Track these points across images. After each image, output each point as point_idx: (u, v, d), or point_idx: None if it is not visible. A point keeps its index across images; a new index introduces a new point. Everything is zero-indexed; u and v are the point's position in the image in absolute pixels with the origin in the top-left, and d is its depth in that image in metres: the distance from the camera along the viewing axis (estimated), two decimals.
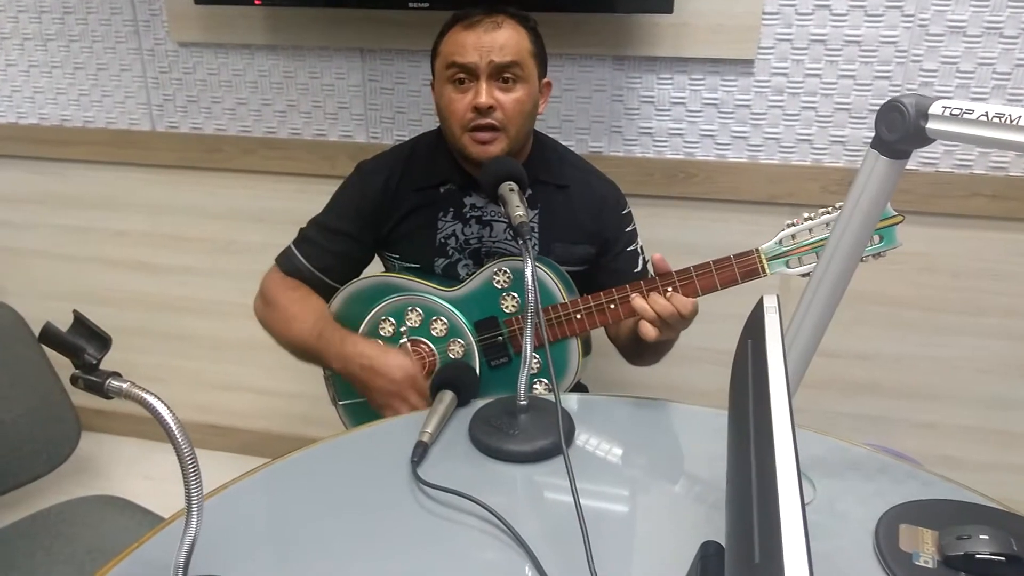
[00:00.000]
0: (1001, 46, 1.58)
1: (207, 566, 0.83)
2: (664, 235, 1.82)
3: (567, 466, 0.86)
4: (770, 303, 0.71)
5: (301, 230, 1.42)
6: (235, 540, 0.89)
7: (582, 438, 1.09)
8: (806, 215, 1.17)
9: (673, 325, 1.15)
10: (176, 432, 0.68)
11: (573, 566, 0.83)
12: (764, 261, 1.18)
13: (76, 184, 2.20)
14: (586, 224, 1.35)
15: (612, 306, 1.23)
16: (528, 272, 1.00)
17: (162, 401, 0.69)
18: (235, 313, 2.19)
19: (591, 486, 0.98)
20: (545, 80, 1.32)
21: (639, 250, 1.40)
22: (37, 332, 0.70)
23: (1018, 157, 1.66)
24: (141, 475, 2.26)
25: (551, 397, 1.19)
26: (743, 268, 1.19)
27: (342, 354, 1.25)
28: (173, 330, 2.29)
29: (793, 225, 1.17)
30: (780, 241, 1.18)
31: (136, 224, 2.21)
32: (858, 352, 1.86)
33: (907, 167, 1.66)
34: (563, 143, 1.81)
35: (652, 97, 1.77)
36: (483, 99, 1.20)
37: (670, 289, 1.19)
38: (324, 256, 1.36)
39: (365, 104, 1.93)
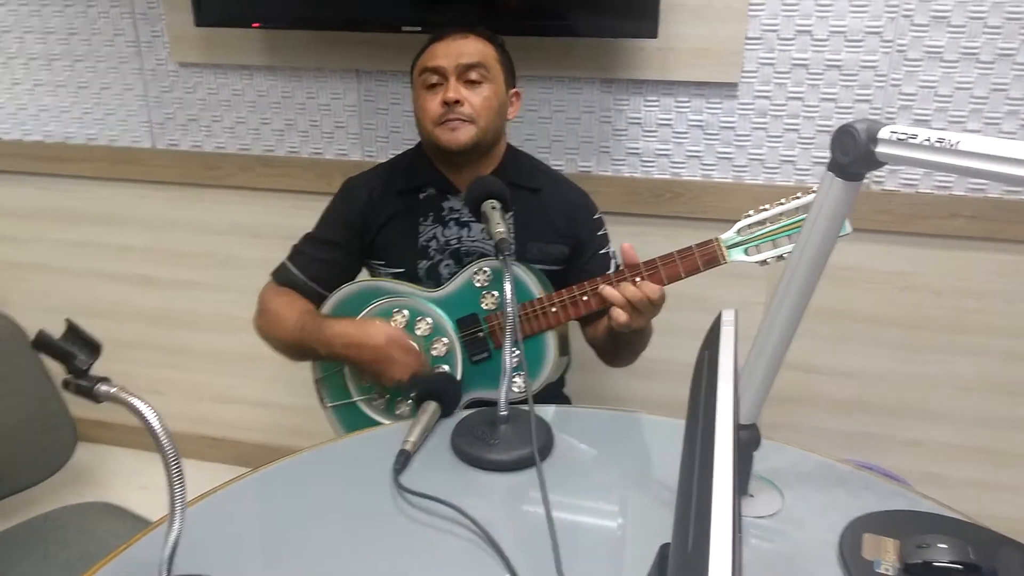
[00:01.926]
0: (977, 71, 1.62)
1: (193, 566, 0.86)
2: (651, 252, 1.83)
3: (539, 475, 0.89)
4: (727, 317, 0.75)
5: (294, 245, 1.48)
6: (221, 542, 0.92)
7: (560, 448, 1.12)
8: (763, 206, 1.23)
9: (643, 311, 1.24)
10: (160, 434, 0.71)
11: (545, 572, 0.86)
12: (723, 249, 1.25)
13: (79, 200, 2.25)
14: (559, 225, 1.42)
15: (584, 298, 1.30)
16: (507, 288, 1.04)
17: (148, 405, 0.72)
18: (233, 327, 2.23)
19: (566, 495, 1.01)
20: (514, 90, 1.42)
21: (611, 254, 1.47)
22: None
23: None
24: (137, 485, 2.29)
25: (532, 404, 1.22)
26: (704, 256, 1.26)
27: (324, 339, 1.31)
28: (172, 343, 2.33)
29: (750, 216, 1.23)
30: (738, 231, 1.24)
31: (137, 239, 2.25)
32: (842, 369, 1.90)
33: (888, 188, 1.71)
34: (554, 163, 1.88)
35: (639, 119, 1.82)
36: (451, 94, 1.30)
37: (639, 279, 1.25)
38: (314, 265, 1.42)
39: (360, 123, 1.98)
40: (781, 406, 1.93)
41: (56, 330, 0.77)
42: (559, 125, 1.87)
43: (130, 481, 2.33)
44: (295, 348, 1.38)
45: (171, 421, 2.53)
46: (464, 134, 1.32)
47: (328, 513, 0.99)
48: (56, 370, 0.81)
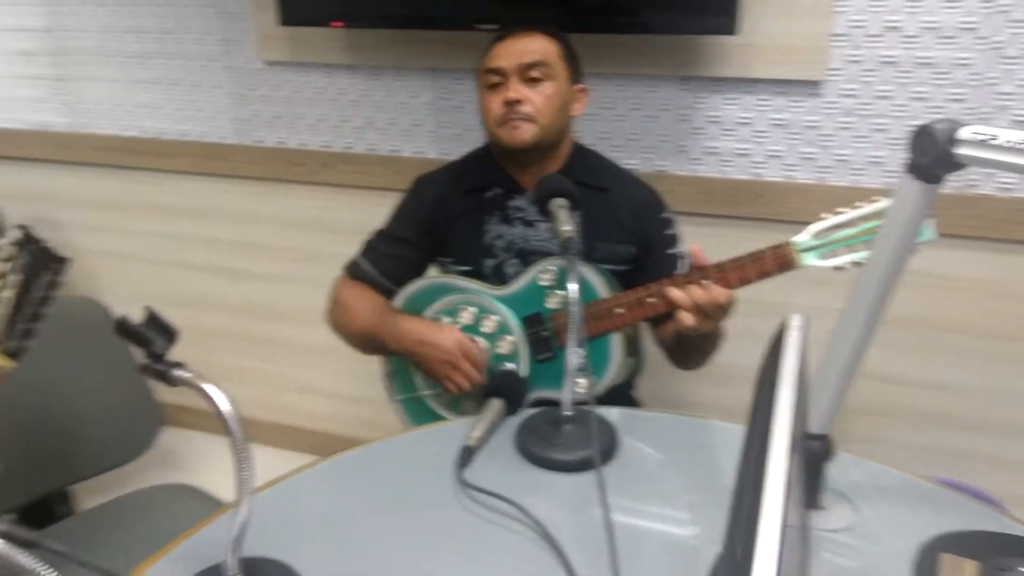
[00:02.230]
0: None
1: (261, 548, 0.89)
2: (728, 255, 1.80)
3: (598, 477, 0.89)
4: (795, 323, 0.73)
5: (366, 240, 1.50)
6: (289, 527, 0.95)
7: (625, 451, 1.11)
8: (839, 209, 1.18)
9: (710, 315, 1.20)
10: (230, 419, 0.74)
11: (602, 574, 0.86)
12: (796, 253, 1.21)
13: (170, 193, 2.35)
14: (627, 224, 1.40)
15: (651, 299, 1.27)
16: (572, 288, 1.04)
17: (219, 390, 0.75)
18: (312, 320, 2.27)
19: (627, 498, 1.00)
20: (579, 86, 1.40)
21: (680, 255, 1.43)
22: None
23: None
24: (220, 470, 2.37)
25: (594, 406, 1.21)
26: (776, 260, 1.22)
27: (396, 334, 1.35)
28: (254, 334, 2.41)
29: (826, 219, 1.19)
30: (813, 234, 1.20)
31: (223, 233, 2.34)
32: (932, 382, 1.81)
33: (982, 192, 1.62)
34: (628, 162, 1.85)
35: (718, 117, 1.78)
36: (511, 93, 1.30)
37: (707, 282, 1.22)
38: (385, 261, 1.45)
39: (437, 121, 2.00)
40: (866, 419, 1.86)
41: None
42: (635, 123, 1.84)
43: (214, 465, 2.42)
44: (366, 341, 1.41)
45: (251, 409, 2.62)
46: (525, 133, 1.31)
47: (392, 504, 1.00)
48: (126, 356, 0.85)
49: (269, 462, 1.11)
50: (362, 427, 2.36)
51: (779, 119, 1.74)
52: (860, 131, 1.68)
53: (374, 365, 1.50)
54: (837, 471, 0.98)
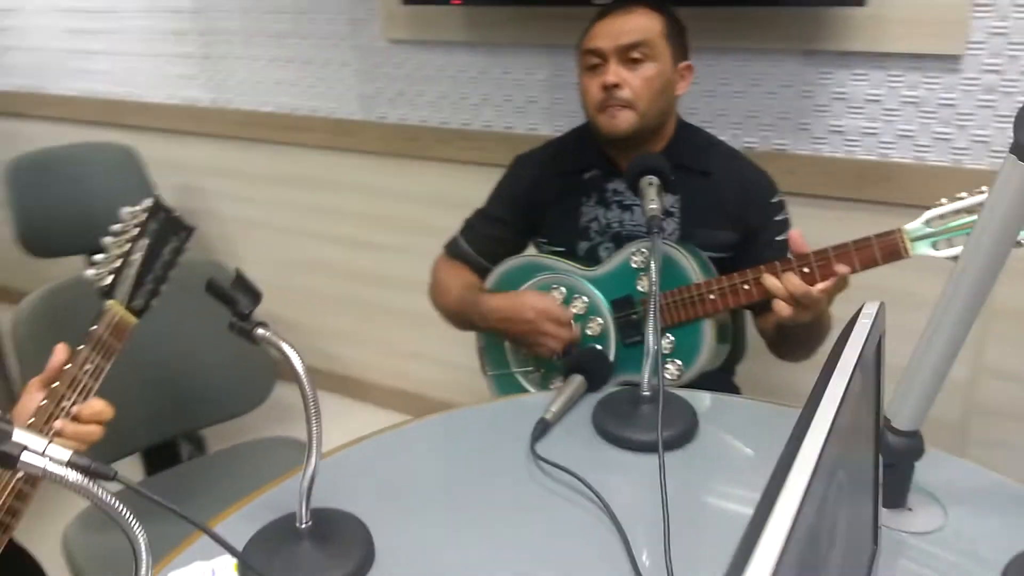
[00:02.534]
0: None
1: (336, 501, 0.94)
2: (849, 239, 1.72)
3: (659, 458, 0.87)
4: (869, 310, 0.68)
5: (466, 219, 1.53)
6: (364, 483, 1.00)
7: (706, 436, 1.08)
8: (960, 194, 1.08)
9: (807, 306, 1.13)
10: (302, 375, 0.79)
11: (661, 555, 0.84)
12: (907, 241, 1.12)
13: (301, 167, 2.48)
14: (730, 210, 1.34)
15: (746, 287, 1.22)
16: (653, 267, 1.02)
17: (292, 348, 0.80)
18: (424, 289, 2.35)
19: (696, 482, 0.98)
20: (684, 64, 1.34)
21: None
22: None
23: None
24: (327, 427, 2.51)
25: (681, 389, 1.19)
26: (883, 248, 1.14)
27: (482, 313, 1.37)
28: (372, 300, 2.52)
29: (943, 204, 1.10)
30: (927, 221, 1.11)
31: (347, 204, 2.45)
32: None
33: None
34: (746, 140, 1.78)
35: (844, 94, 1.68)
36: (609, 77, 1.26)
37: (807, 270, 1.15)
38: (483, 241, 1.47)
39: (551, 98, 2.00)
40: (988, 420, 1.72)
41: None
42: (754, 100, 1.77)
43: (327, 424, 2.56)
44: (458, 318, 1.45)
45: (365, 372, 2.73)
46: (623, 122, 1.28)
47: (465, 469, 1.03)
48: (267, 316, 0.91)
49: (379, 422, 1.17)
50: (467, 395, 2.42)
51: (911, 96, 1.62)
52: (1002, 110, 1.54)
53: None
54: (928, 471, 0.91)
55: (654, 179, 1.12)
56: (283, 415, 2.58)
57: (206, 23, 2.47)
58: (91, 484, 0.61)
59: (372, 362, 2.60)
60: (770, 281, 1.16)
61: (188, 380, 1.54)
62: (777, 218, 1.37)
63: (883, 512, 0.93)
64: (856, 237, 1.18)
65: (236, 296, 0.82)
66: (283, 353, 0.80)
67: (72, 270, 1.38)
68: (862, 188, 1.71)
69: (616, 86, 1.27)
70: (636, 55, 1.27)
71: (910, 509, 0.93)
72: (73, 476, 0.60)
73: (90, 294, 1.42)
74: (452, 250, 1.51)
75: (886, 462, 0.92)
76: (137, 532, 0.61)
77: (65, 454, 0.61)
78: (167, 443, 1.61)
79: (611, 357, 1.31)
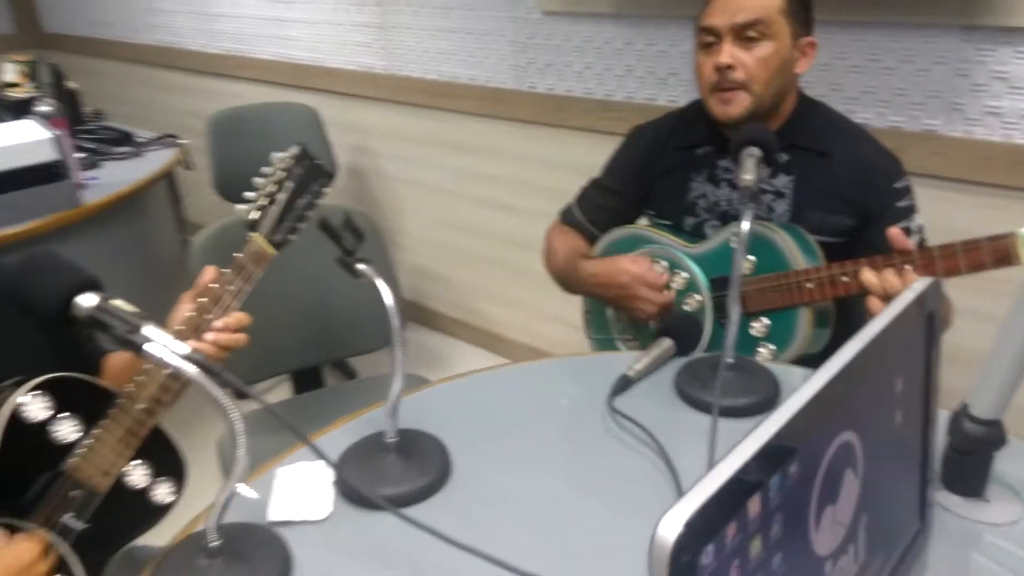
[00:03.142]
0: None
1: (424, 425, 1.05)
2: (1001, 230, 1.60)
3: (713, 423, 0.91)
4: (917, 285, 0.69)
5: (582, 187, 1.59)
6: (453, 413, 1.11)
7: None
8: None
9: None
10: (391, 311, 0.90)
11: None
12: (1021, 247, 1.05)
13: (459, 132, 2.63)
14: (847, 193, 1.30)
15: (844, 279, 1.19)
16: (743, 236, 1.04)
17: (386, 286, 0.91)
18: None
19: None
20: (807, 39, 1.29)
21: (912, 230, 1.29)
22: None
23: None
24: (452, 368, 2.68)
25: (772, 363, 1.20)
26: (993, 252, 1.08)
27: (581, 278, 1.43)
28: (518, 263, 2.64)
29: None
30: None
31: (501, 170, 2.57)
32: None
33: None
34: (892, 119, 1.71)
35: (1005, 73, 1.56)
36: (722, 58, 1.24)
37: (908, 268, 1.11)
38: (595, 210, 1.52)
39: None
40: None
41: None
42: (904, 77, 1.69)
43: (449, 363, 2.73)
44: (564, 282, 1.52)
45: (507, 330, 2.86)
46: (736, 106, 1.26)
47: (545, 412, 1.12)
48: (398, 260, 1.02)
49: None
50: None
51: None
52: None
53: None
54: (1010, 462, 0.89)
55: (755, 151, 1.12)
56: (417, 355, 2.80)
57: None
58: (203, 377, 0.74)
59: (512, 320, 2.73)
60: (868, 276, 1.13)
61: (333, 315, 1.73)
62: (899, 204, 1.31)
63: (956, 500, 0.92)
64: (1011, 227, 1.12)
65: (343, 234, 0.94)
66: (376, 286, 0.92)
67: None
68: (1019, 175, 1.59)
69: (729, 67, 1.24)
70: (752, 33, 1.23)
71: (987, 500, 0.91)
72: (185, 367, 0.74)
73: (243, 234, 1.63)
74: (566, 217, 1.58)
75: (961, 449, 0.91)
76: (233, 414, 0.74)
77: (184, 349, 0.76)
78: (313, 369, 1.82)
79: (706, 333, 1.32)
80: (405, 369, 0.97)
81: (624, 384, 1.14)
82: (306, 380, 1.86)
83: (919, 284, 0.70)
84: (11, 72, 3.43)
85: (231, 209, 2.48)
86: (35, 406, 0.87)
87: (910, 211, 1.31)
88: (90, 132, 2.80)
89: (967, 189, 1.65)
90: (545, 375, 1.24)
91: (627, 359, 1.22)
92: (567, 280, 1.49)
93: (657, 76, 2.07)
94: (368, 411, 1.13)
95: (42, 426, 0.88)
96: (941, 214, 1.53)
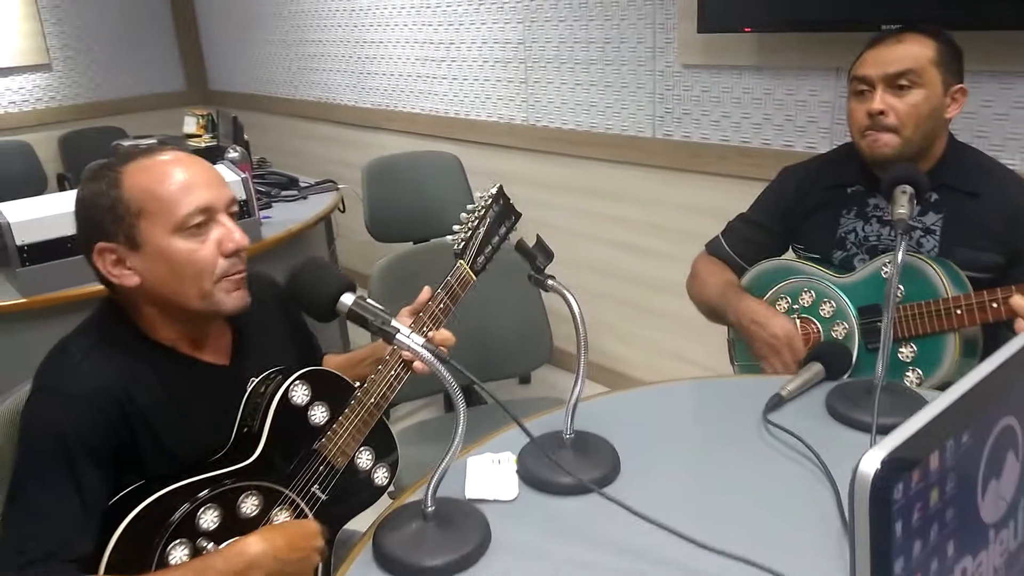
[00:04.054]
0: None
1: (594, 427, 1.18)
2: None
3: (871, 437, 0.99)
4: None
5: (729, 222, 1.69)
6: (625, 422, 1.23)
7: None
8: None
9: None
10: (578, 318, 1.04)
11: None
12: None
13: (592, 177, 2.79)
14: (996, 231, 1.35)
15: (994, 304, 1.25)
16: (895, 264, 1.13)
17: (573, 296, 1.05)
18: None
19: None
20: (958, 87, 1.36)
21: None
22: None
23: None
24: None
25: (919, 388, 1.26)
26: None
27: (738, 310, 1.51)
28: (642, 303, 2.75)
29: None
30: None
31: (630, 213, 2.71)
32: None
33: None
34: (1007, 162, 1.74)
35: None
36: (875, 105, 1.34)
37: None
38: (742, 243, 1.63)
39: (832, 118, 2.09)
40: None
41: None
42: (1018, 122, 1.72)
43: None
44: (711, 310, 1.61)
45: (629, 368, 2.96)
46: (886, 147, 1.35)
47: (706, 425, 1.23)
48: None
49: None
50: None
51: None
52: None
53: None
54: None
55: (908, 188, 1.21)
56: (548, 390, 2.92)
57: (527, 53, 2.88)
58: (434, 362, 0.90)
59: (636, 359, 2.83)
60: (1017, 300, 1.19)
61: (489, 340, 1.88)
62: None
63: None
64: None
65: (536, 254, 1.10)
66: (564, 298, 1.06)
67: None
68: None
69: (881, 113, 1.34)
70: (904, 82, 1.33)
71: None
72: (424, 354, 0.90)
73: (418, 262, 1.81)
74: (713, 249, 1.68)
75: None
76: (457, 394, 0.89)
77: (420, 341, 0.92)
78: (466, 388, 1.97)
79: (854, 358, 1.39)
80: (537, 398, 1.09)
81: (777, 402, 1.23)
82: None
83: None
84: (192, 124, 3.87)
85: (376, 249, 2.74)
86: (298, 392, 1.06)
87: None
88: (260, 177, 3.13)
89: None
90: (704, 392, 1.35)
91: (776, 382, 1.31)
92: (719, 309, 1.58)
93: (796, 124, 2.17)
94: (538, 416, 1.27)
95: (304, 410, 1.07)
96: None
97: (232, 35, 4.74)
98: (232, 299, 1.03)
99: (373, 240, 2.83)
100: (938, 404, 0.60)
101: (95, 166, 1.02)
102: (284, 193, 3.00)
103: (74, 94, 4.75)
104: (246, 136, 3.39)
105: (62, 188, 4.10)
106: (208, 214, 1.00)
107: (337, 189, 3.07)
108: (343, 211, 3.01)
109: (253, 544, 0.95)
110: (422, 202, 2.88)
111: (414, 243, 2.48)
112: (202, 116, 3.88)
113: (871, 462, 0.54)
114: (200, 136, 3.66)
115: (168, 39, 5.05)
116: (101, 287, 1.04)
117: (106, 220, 0.98)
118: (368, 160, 2.88)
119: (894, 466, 0.55)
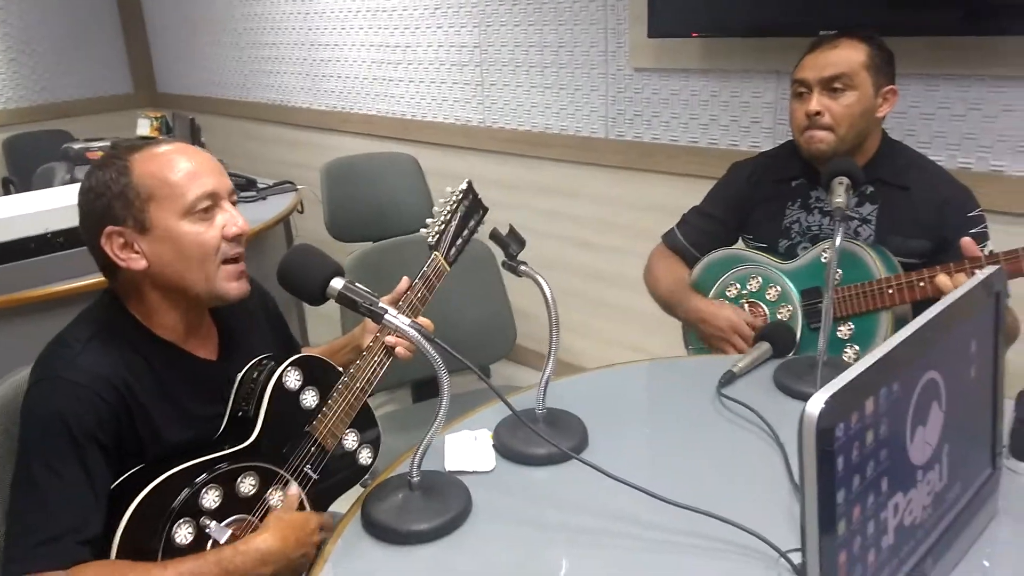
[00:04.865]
0: None
1: (564, 405, 1.26)
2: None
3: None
4: (983, 273, 0.88)
5: (683, 214, 1.80)
6: (590, 400, 1.31)
7: None
8: None
9: None
10: (550, 301, 1.12)
11: None
12: None
13: (549, 177, 2.88)
14: (924, 220, 1.48)
15: (921, 284, 1.38)
16: (834, 249, 1.24)
17: (546, 282, 1.13)
18: (643, 288, 2.65)
19: None
20: (889, 87, 1.49)
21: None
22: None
23: None
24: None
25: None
26: None
27: (687, 309, 1.64)
28: (598, 296, 2.85)
29: None
30: None
31: (585, 211, 2.80)
32: None
33: None
34: (962, 160, 1.89)
35: None
36: (812, 106, 1.47)
37: (978, 272, 1.29)
38: (696, 234, 1.73)
39: (775, 118, 2.22)
40: None
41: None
42: (973, 123, 1.87)
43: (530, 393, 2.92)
44: (664, 306, 1.72)
45: (586, 360, 3.06)
46: (822, 143, 1.47)
47: (664, 401, 1.32)
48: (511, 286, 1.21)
49: None
50: None
51: None
52: None
53: None
54: None
55: (844, 179, 1.32)
56: (507, 382, 3.00)
57: (483, 56, 2.96)
58: (421, 339, 0.97)
59: (593, 352, 2.93)
60: (942, 279, 1.32)
61: (452, 332, 1.95)
62: (973, 230, 1.47)
63: (1020, 464, 1.08)
64: None
65: (509, 242, 1.18)
66: (536, 282, 1.14)
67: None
68: None
69: (818, 114, 1.47)
70: (837, 85, 1.45)
71: None
72: (411, 332, 0.97)
73: (384, 258, 1.87)
74: (668, 240, 1.79)
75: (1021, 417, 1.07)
76: (440, 364, 0.96)
77: (406, 321, 0.99)
78: (430, 379, 2.04)
79: (797, 337, 1.51)
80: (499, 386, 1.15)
81: (730, 378, 1.33)
82: (425, 389, 2.09)
83: (987, 270, 0.89)
84: (145, 126, 3.84)
85: (335, 248, 2.81)
86: (291, 376, 1.12)
87: (983, 236, 1.48)
88: None
89: None
90: (662, 371, 1.44)
91: (728, 361, 1.42)
92: (669, 306, 1.69)
93: (741, 124, 2.29)
94: (512, 396, 1.34)
95: (296, 394, 1.12)
96: (1009, 246, 1.69)
97: (182, 37, 4.71)
98: (234, 287, 1.09)
99: (332, 239, 2.88)
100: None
101: (101, 158, 1.06)
102: (243, 194, 3.02)
103: (18, 96, 4.66)
104: (202, 139, 3.40)
105: (7, 192, 4.03)
106: (214, 199, 1.06)
107: (296, 190, 3.10)
108: (301, 212, 3.05)
109: (267, 540, 1.02)
110: (381, 202, 2.92)
111: (373, 242, 2.54)
112: (156, 118, 3.86)
113: (816, 403, 0.64)
114: (154, 138, 3.64)
115: (115, 41, 4.99)
116: (66, 287, 1.08)
117: (116, 205, 1.03)
118: (325, 162, 2.92)
119: (836, 406, 0.65)
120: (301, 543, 1.05)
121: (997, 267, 0.89)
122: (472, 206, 1.31)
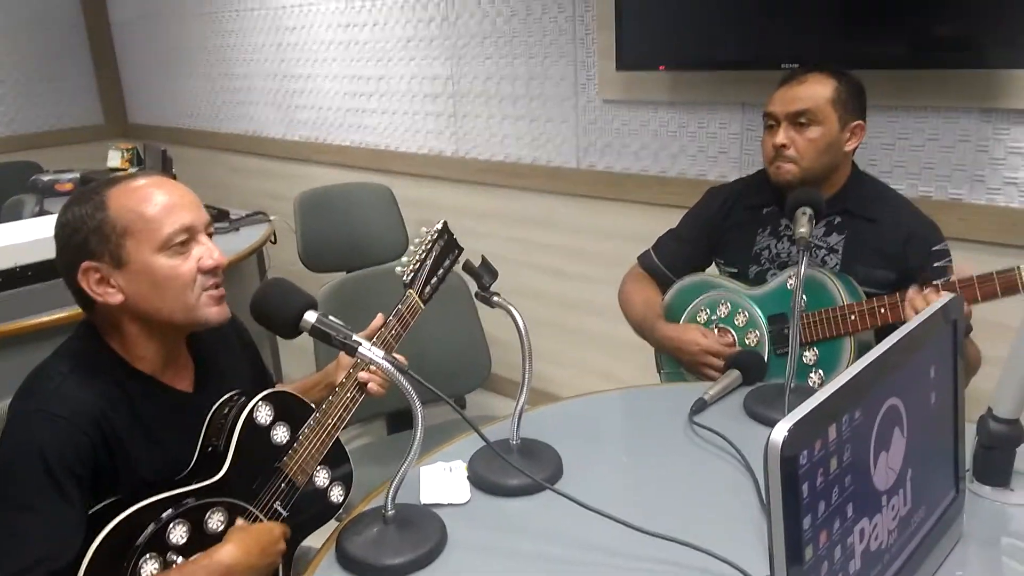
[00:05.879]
0: None
1: (537, 435, 1.27)
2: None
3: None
4: (940, 301, 0.91)
5: (659, 237, 1.83)
6: (564, 429, 1.32)
7: None
8: None
9: None
10: (522, 331, 1.13)
11: None
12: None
13: (521, 206, 2.91)
14: (890, 252, 1.52)
15: (882, 310, 1.42)
16: (799, 277, 1.27)
17: (518, 312, 1.15)
18: (619, 317, 2.67)
19: None
20: (856, 123, 1.53)
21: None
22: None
23: None
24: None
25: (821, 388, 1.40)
26: (1003, 284, 1.32)
27: (655, 336, 1.67)
28: (571, 324, 2.87)
29: None
30: None
31: (556, 239, 2.83)
32: None
33: None
34: (922, 189, 1.95)
35: (1021, 148, 1.80)
36: (778, 139, 1.51)
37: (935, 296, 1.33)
38: (670, 256, 1.76)
39: (741, 149, 2.27)
40: None
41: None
42: (931, 153, 1.93)
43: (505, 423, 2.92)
44: (636, 330, 1.75)
45: (559, 388, 3.08)
46: (787, 174, 1.52)
47: (638, 430, 1.34)
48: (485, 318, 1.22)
49: None
50: None
51: None
52: None
53: None
54: None
55: (808, 210, 1.37)
56: (482, 411, 2.99)
57: (456, 88, 3.00)
58: (395, 372, 0.98)
59: (567, 380, 2.94)
60: (914, 297, 1.36)
61: (426, 365, 1.95)
62: (936, 264, 1.52)
63: (987, 489, 1.10)
64: None
65: (482, 273, 1.19)
66: (509, 313, 1.16)
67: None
68: None
69: (783, 146, 1.51)
70: (803, 120, 1.50)
71: (1012, 490, 1.10)
72: (385, 365, 0.98)
73: (359, 289, 1.88)
74: (644, 261, 1.82)
75: (988, 445, 1.10)
76: (414, 397, 0.97)
77: (380, 354, 1.00)
78: (406, 411, 2.03)
79: (764, 358, 1.53)
80: (474, 416, 1.16)
81: (701, 406, 1.35)
82: (400, 421, 2.08)
83: (944, 297, 0.92)
84: (116, 158, 3.83)
85: (308, 279, 2.79)
86: (262, 412, 1.12)
87: (946, 271, 1.50)
88: None
89: (990, 250, 1.86)
90: (635, 400, 1.46)
91: (699, 388, 1.44)
92: (641, 332, 1.72)
93: (708, 154, 2.34)
94: (487, 426, 1.35)
95: (267, 430, 1.12)
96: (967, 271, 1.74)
97: (152, 68, 4.70)
98: (215, 312, 1.09)
99: (306, 270, 2.87)
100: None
101: (78, 192, 1.07)
102: (216, 225, 3.00)
103: None
104: (174, 170, 3.39)
105: None
106: (190, 233, 1.06)
107: (269, 221, 3.10)
108: (275, 243, 3.04)
109: (230, 552, 1.00)
110: (355, 232, 2.93)
111: (347, 272, 2.54)
112: (127, 150, 3.85)
113: (780, 431, 0.66)
114: (125, 170, 3.63)
115: (85, 72, 4.97)
116: (34, 321, 1.08)
117: (92, 240, 1.03)
118: (298, 192, 2.92)
119: (800, 433, 0.67)
120: (266, 552, 1.04)
121: (954, 295, 0.92)
122: (447, 246, 1.33)
